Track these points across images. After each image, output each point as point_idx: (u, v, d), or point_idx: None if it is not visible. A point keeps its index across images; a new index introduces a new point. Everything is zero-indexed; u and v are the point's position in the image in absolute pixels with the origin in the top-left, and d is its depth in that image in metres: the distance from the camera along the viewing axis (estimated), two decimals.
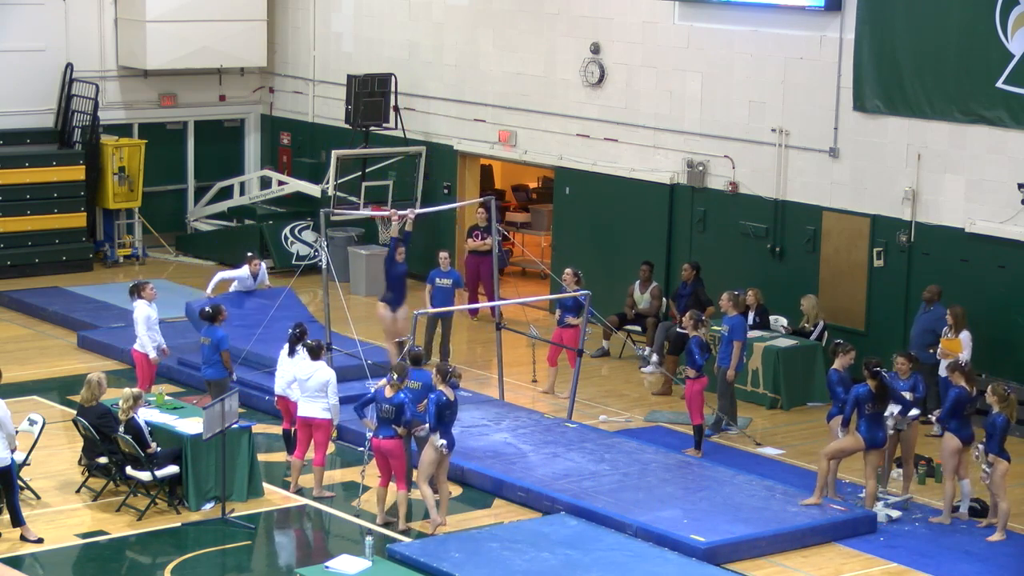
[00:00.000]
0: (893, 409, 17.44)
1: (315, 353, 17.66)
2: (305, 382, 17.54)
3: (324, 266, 19.92)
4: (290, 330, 18.54)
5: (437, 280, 22.88)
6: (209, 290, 22.45)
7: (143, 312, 19.84)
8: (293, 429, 18.32)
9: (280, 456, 18.77)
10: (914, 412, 17.92)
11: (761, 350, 21.34)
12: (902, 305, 21.63)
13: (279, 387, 18.33)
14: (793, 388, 21.43)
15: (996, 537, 16.72)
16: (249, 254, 23.04)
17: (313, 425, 17.57)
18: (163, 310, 20.57)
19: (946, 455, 17.32)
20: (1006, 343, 20.56)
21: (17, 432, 16.61)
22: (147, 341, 19.81)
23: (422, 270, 27.73)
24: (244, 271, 22.69)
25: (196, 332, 20.42)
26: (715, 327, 20.65)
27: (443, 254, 23.32)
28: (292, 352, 18.19)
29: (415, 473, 17.78)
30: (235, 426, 17.21)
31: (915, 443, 18.05)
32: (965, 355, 19.53)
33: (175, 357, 21.49)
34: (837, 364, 18.04)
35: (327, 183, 27.72)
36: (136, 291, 20.07)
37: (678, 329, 21.47)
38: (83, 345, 23.58)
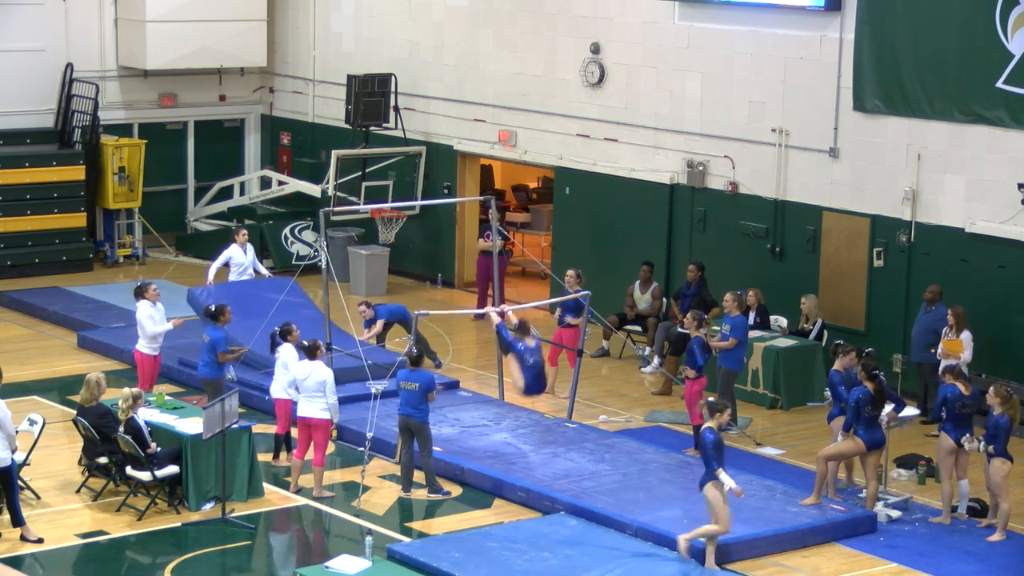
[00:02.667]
0: (887, 408, 17.45)
1: (311, 353, 17.66)
2: (303, 382, 17.54)
3: (324, 266, 19.92)
4: (276, 328, 18.57)
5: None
6: (210, 279, 23.05)
7: (145, 312, 19.87)
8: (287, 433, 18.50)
9: (280, 456, 18.74)
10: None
11: (761, 350, 21.33)
12: (902, 305, 21.63)
13: (272, 389, 18.44)
14: (793, 388, 21.42)
15: (996, 537, 16.71)
16: (234, 226, 23.72)
17: (312, 425, 17.58)
18: (164, 310, 20.49)
19: (941, 455, 17.34)
20: (1006, 343, 20.55)
21: (17, 432, 16.62)
22: (147, 341, 19.83)
23: (421, 270, 27.79)
24: (231, 250, 23.24)
25: (198, 329, 20.39)
26: (715, 327, 20.65)
27: (362, 306, 22.61)
28: (273, 349, 18.19)
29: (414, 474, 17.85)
30: (235, 426, 17.21)
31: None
32: (967, 355, 19.53)
33: (175, 357, 21.50)
34: (838, 365, 18.04)
35: (327, 183, 27.73)
36: (140, 292, 20.11)
37: (679, 329, 21.47)
38: (83, 345, 23.58)
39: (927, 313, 20.57)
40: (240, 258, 23.32)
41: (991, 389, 16.83)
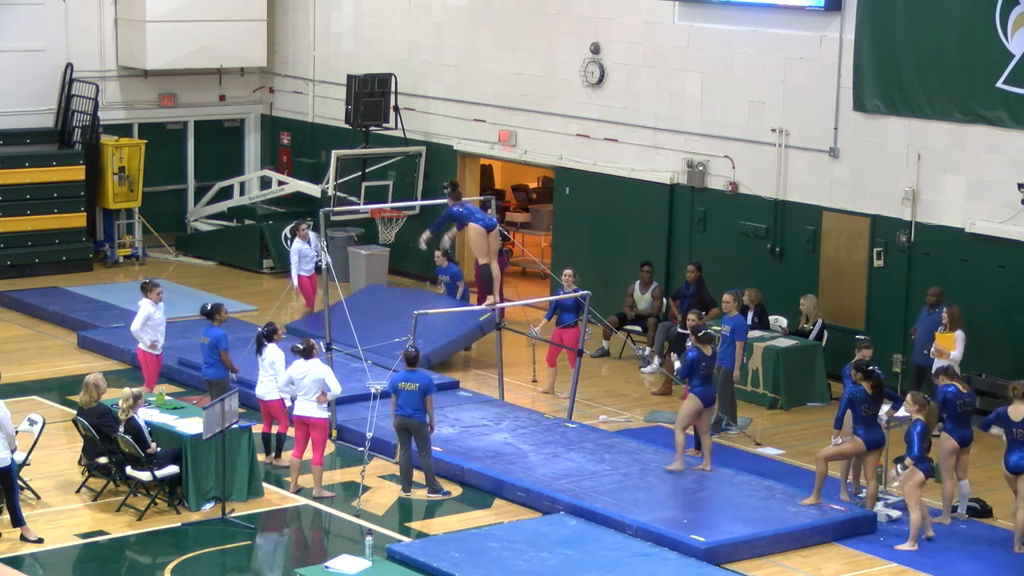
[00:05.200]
0: (885, 407, 17.46)
1: (307, 352, 17.65)
2: (300, 381, 17.54)
3: (324, 266, 19.91)
4: (260, 328, 18.56)
5: (439, 278, 23.97)
6: (295, 283, 24.28)
7: (145, 311, 19.86)
8: (272, 432, 18.62)
9: (283, 456, 18.73)
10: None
11: (761, 350, 21.33)
12: (902, 305, 21.63)
13: (257, 389, 18.39)
14: (793, 388, 21.42)
15: (906, 547, 16.50)
16: (296, 222, 24.88)
17: (310, 424, 17.58)
18: (164, 310, 20.49)
19: (943, 456, 17.32)
20: (1006, 343, 20.55)
21: (17, 432, 16.62)
22: (142, 335, 19.80)
23: (421, 270, 27.80)
24: (296, 245, 24.19)
25: (197, 329, 20.40)
26: (715, 327, 20.65)
27: (438, 253, 23.96)
28: (259, 350, 18.17)
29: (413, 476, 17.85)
30: (235, 426, 17.20)
31: None
32: (956, 354, 19.49)
33: (175, 357, 21.49)
34: (857, 358, 18.10)
35: (327, 183, 27.73)
36: (146, 289, 20.11)
37: (679, 329, 21.47)
38: (83, 345, 23.58)
39: (930, 315, 20.52)
40: (307, 250, 24.14)
41: (908, 396, 16.83)
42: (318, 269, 22.99)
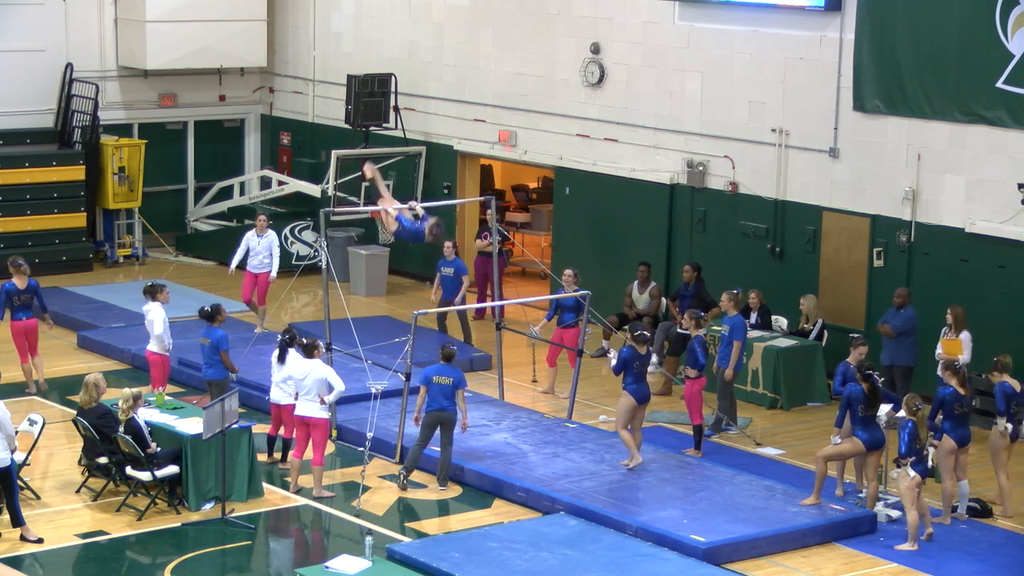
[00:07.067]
0: (885, 408, 17.47)
1: (309, 351, 17.64)
2: (301, 381, 17.53)
3: (324, 266, 19.91)
4: (280, 335, 18.52)
5: (442, 269, 23.89)
6: (231, 268, 24.26)
7: (162, 314, 19.83)
8: (278, 436, 18.56)
9: (278, 456, 18.73)
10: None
11: (761, 350, 21.33)
12: None
13: (272, 394, 18.33)
14: (793, 388, 21.43)
15: (906, 547, 16.55)
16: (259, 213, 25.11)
17: (310, 424, 17.57)
18: (166, 310, 20.49)
19: (942, 456, 17.33)
20: (1006, 343, 20.53)
21: (17, 432, 16.62)
22: (164, 338, 19.79)
23: (420, 270, 27.79)
24: (249, 234, 24.14)
25: (197, 328, 20.39)
26: (715, 327, 20.66)
27: (448, 244, 23.99)
28: (282, 358, 18.14)
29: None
30: (235, 426, 17.21)
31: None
32: (965, 356, 19.50)
33: (175, 357, 21.46)
34: (851, 358, 18.11)
35: (327, 183, 27.73)
36: (153, 292, 20.05)
37: (678, 330, 21.48)
38: (83, 345, 23.57)
39: (897, 316, 20.51)
40: (255, 243, 24.04)
41: (904, 400, 16.86)
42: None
